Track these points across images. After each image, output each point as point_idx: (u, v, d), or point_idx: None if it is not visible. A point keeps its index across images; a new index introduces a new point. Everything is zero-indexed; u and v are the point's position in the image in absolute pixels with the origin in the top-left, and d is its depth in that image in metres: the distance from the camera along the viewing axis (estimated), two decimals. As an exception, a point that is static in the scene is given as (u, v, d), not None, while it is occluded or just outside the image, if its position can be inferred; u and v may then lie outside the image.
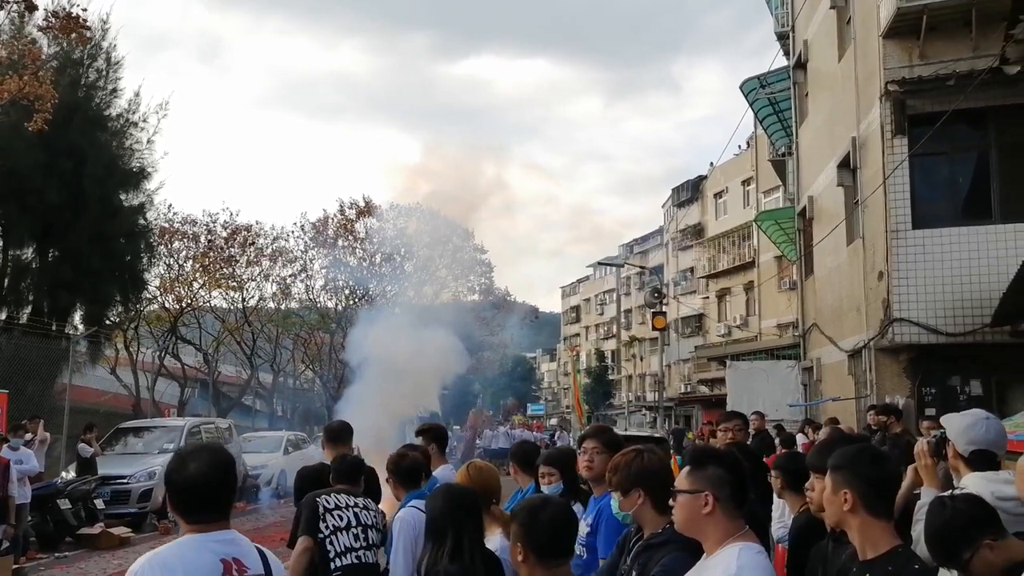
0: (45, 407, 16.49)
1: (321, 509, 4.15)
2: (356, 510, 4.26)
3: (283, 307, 31.25)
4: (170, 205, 29.13)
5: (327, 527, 4.13)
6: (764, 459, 6.22)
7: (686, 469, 2.54)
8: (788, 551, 3.86)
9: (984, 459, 3.01)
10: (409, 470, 4.34)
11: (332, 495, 4.29)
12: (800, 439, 11.42)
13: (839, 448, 2.59)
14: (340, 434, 5.27)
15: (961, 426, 3.13)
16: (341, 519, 4.16)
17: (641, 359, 55.73)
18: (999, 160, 10.78)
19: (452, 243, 33.55)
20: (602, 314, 66.93)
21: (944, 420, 3.27)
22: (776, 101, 18.64)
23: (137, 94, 22.55)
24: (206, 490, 2.32)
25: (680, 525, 2.53)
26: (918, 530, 2.90)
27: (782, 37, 18.13)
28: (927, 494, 3.08)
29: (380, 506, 4.78)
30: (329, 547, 4.10)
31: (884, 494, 2.41)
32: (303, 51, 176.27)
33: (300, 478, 5.15)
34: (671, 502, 2.57)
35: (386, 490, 4.78)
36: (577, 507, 4.37)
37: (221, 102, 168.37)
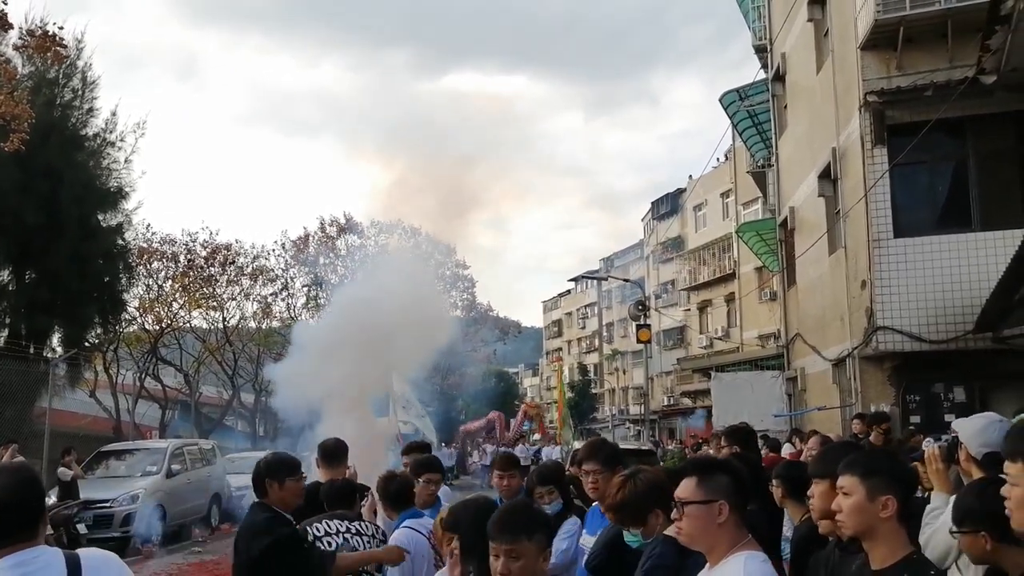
0: (24, 431, 16.21)
1: (311, 538, 4.16)
2: (347, 535, 4.24)
3: (264, 326, 30.98)
4: (148, 225, 28.74)
5: None
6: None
7: (693, 479, 2.50)
8: (791, 560, 3.83)
9: (998, 462, 3.00)
10: (398, 492, 4.32)
11: (323, 522, 4.27)
12: (787, 449, 11.43)
13: (854, 454, 2.55)
14: (335, 453, 5.08)
15: (974, 429, 3.12)
16: (330, 546, 4.17)
17: (624, 372, 55.84)
18: (977, 169, 10.94)
19: (434, 259, 33.55)
20: (584, 328, 67.01)
21: (956, 424, 3.26)
22: (755, 113, 18.81)
23: (114, 113, 22.20)
24: (2, 513, 2.27)
25: (688, 537, 2.47)
26: (927, 535, 2.89)
27: (760, 50, 18.30)
28: (937, 499, 3.06)
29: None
30: None
31: (912, 498, 2.40)
32: (283, 68, 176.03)
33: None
34: (674, 514, 2.53)
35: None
36: (573, 521, 4.35)
37: (200, 120, 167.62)
